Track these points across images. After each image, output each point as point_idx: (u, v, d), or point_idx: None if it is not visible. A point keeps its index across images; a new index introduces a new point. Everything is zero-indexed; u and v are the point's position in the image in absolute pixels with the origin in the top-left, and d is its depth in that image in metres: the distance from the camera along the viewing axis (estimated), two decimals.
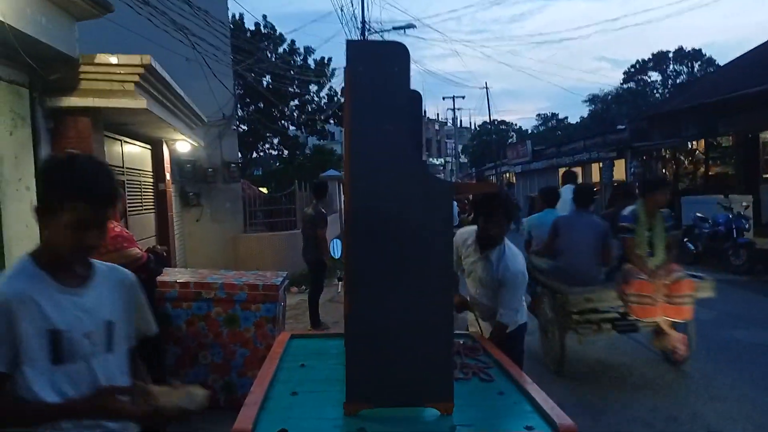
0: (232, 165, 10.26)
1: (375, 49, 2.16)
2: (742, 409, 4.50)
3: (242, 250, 10.36)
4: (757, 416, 4.37)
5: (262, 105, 26.12)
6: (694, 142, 16.34)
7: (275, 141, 30.75)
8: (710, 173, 16.00)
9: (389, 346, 2.17)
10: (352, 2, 33.52)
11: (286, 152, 30.71)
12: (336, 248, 5.31)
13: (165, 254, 4.41)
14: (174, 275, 4.84)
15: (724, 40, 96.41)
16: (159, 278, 4.36)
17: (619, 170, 19.40)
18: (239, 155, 11.05)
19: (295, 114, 30.41)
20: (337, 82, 32.39)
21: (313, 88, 28.94)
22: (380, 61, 2.15)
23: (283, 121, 29.51)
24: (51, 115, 5.11)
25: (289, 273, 9.46)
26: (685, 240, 11.57)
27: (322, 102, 30.21)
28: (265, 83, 24.79)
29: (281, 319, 5.06)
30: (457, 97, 46.55)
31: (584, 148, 22.10)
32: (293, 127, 30.96)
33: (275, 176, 25.63)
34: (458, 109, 58.92)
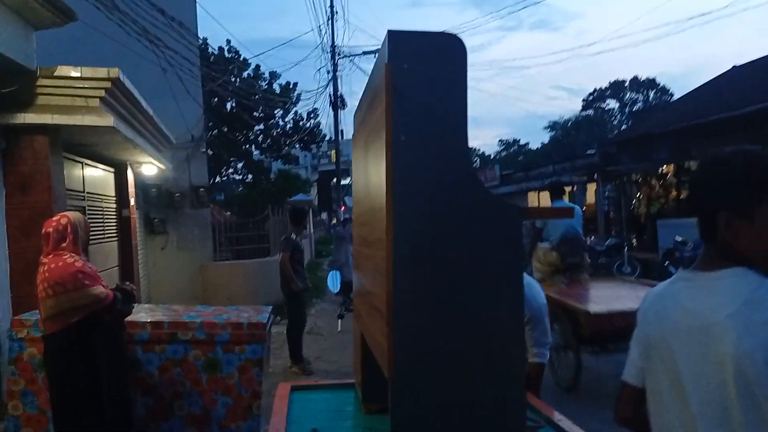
0: (201, 189, 9.66)
1: (424, 43, 1.73)
2: None
3: (211, 279, 9.70)
4: None
5: (225, 129, 25.53)
6: (664, 167, 16.49)
7: (239, 165, 30.11)
8: (681, 197, 16.14)
9: (444, 419, 1.72)
10: (320, 28, 33.33)
11: (250, 177, 30.06)
12: (335, 281, 4.78)
13: (134, 291, 3.84)
14: (144, 314, 4.26)
15: (675, 71, 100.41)
16: (127, 318, 3.79)
17: (590, 194, 19.46)
18: (208, 179, 10.47)
19: (259, 138, 29.94)
20: (303, 106, 31.94)
21: (278, 112, 28.56)
22: (431, 58, 1.73)
23: (247, 146, 28.98)
24: (3, 133, 4.52)
25: (264, 303, 8.89)
26: (666, 264, 11.45)
27: (287, 127, 29.82)
28: (229, 108, 24.29)
29: (267, 361, 4.52)
30: None
31: (553, 172, 22.17)
32: (257, 152, 30.45)
33: (238, 201, 24.90)
34: None
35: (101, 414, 3.30)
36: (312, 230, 20.10)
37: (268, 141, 29.76)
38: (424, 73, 1.72)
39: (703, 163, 1.36)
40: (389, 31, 1.73)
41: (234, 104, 24.37)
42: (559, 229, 6.66)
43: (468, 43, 1.76)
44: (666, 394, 1.29)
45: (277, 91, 27.54)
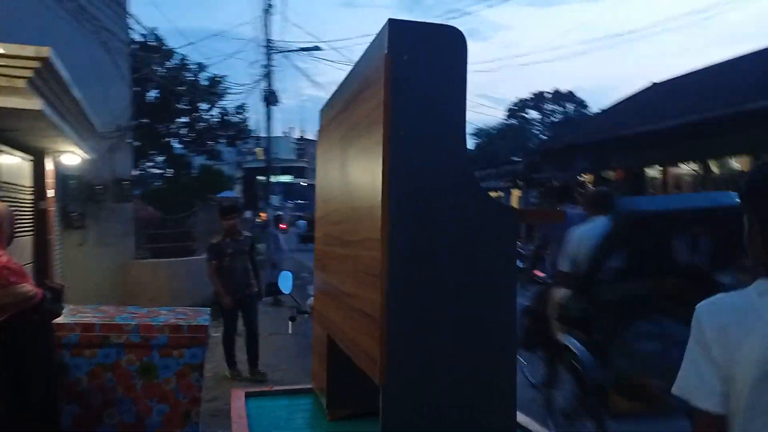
0: (125, 182, 9.11)
1: (424, 34, 1.66)
2: None
3: (133, 278, 9.17)
4: None
5: (146, 120, 24.40)
6: (584, 176, 17.29)
7: (158, 159, 28.88)
8: None
9: (436, 423, 1.65)
10: (255, 21, 32.29)
11: (170, 171, 28.88)
12: (285, 282, 4.49)
13: (64, 290, 3.53)
14: (70, 315, 3.91)
15: (591, 86, 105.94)
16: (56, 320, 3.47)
17: (515, 199, 20.11)
18: (132, 171, 9.93)
19: (182, 131, 28.87)
20: (231, 101, 31.11)
21: (204, 106, 27.65)
22: (432, 50, 1.66)
23: (168, 138, 27.88)
24: None
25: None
26: None
27: (212, 120, 28.92)
28: (151, 98, 23.22)
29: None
30: None
31: (479, 178, 22.76)
32: (180, 145, 29.37)
33: (156, 195, 23.74)
34: None
35: (30, 420, 3.01)
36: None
37: (192, 135, 28.75)
38: (425, 66, 1.65)
39: None
40: (390, 20, 1.64)
41: (157, 94, 23.32)
42: None
43: None
44: None
45: (204, 83, 26.65)
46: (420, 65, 1.64)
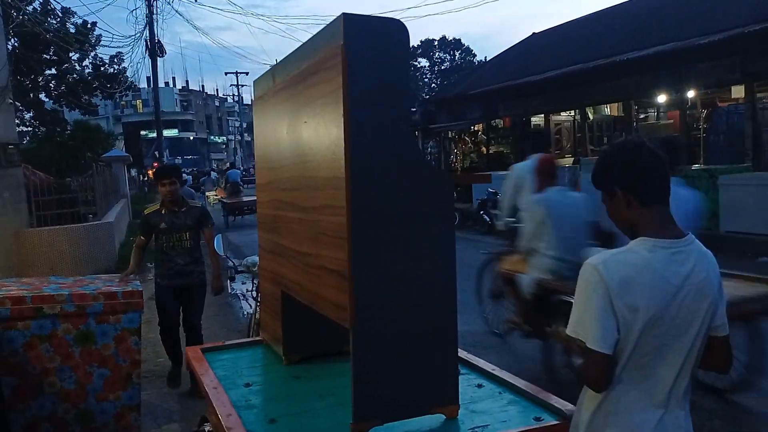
0: (10, 146, 8.50)
1: (374, 26, 1.92)
2: None
3: (29, 248, 8.71)
4: None
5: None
6: (478, 126, 18.19)
7: (27, 116, 26.54)
8: (490, 152, 18.00)
9: (396, 355, 2.00)
10: None
11: (41, 129, 26.65)
12: (218, 244, 4.39)
13: None
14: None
15: (475, 32, 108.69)
16: None
17: None
18: (17, 134, 9.27)
19: (51, 85, 26.68)
20: (105, 51, 29.04)
21: (74, 56, 25.63)
22: (381, 40, 1.93)
23: (35, 93, 25.65)
24: None
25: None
26: (481, 213, 12.83)
27: (86, 72, 26.91)
28: (10, 48, 21.13)
29: None
30: (240, 72, 44.74)
31: None
32: (49, 100, 27.15)
33: (27, 156, 21.79)
34: (242, 85, 56.68)
35: None
36: (128, 189, 18.68)
37: (62, 88, 26.65)
38: (375, 54, 1.91)
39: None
40: (344, 15, 1.88)
41: (16, 43, 21.22)
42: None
43: None
44: (661, 354, 1.52)
45: (72, 31, 24.61)
46: (371, 54, 1.91)
